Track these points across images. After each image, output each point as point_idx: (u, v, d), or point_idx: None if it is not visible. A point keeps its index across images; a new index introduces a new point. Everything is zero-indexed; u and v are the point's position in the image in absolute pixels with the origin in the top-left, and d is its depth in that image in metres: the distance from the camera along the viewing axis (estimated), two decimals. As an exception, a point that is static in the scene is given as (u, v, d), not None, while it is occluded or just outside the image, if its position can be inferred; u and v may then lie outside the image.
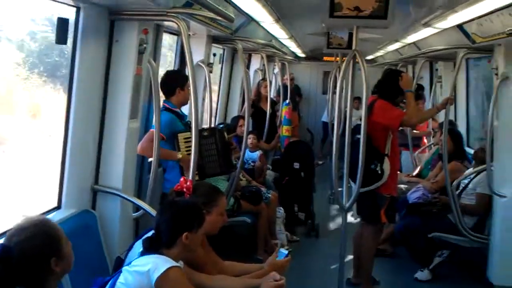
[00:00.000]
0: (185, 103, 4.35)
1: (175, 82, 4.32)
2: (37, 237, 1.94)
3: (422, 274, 5.06)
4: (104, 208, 3.57)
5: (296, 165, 6.62)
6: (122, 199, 3.56)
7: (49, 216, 3.16)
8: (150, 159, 4.06)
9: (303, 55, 12.14)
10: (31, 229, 1.96)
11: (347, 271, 4.78)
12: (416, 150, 7.32)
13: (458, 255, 5.19)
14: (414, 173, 6.50)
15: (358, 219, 5.16)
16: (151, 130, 4.04)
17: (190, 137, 4.26)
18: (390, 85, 4.58)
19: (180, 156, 4.20)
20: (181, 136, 4.24)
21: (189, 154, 3.74)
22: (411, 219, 5.33)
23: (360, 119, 4.10)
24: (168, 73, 4.49)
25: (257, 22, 5.72)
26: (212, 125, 5.73)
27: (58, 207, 3.36)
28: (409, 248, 5.52)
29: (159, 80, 4.00)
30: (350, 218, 5.99)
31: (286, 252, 3.03)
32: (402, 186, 6.03)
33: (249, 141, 6.42)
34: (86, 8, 3.16)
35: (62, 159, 3.32)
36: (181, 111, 4.39)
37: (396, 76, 4.60)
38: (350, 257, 4.94)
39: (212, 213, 2.92)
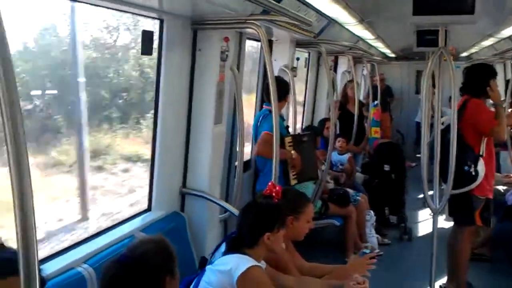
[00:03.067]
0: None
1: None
2: (157, 252, 2.02)
3: (522, 280, 4.77)
4: (192, 210, 3.71)
5: (387, 167, 6.49)
6: (209, 201, 3.68)
7: (140, 218, 3.35)
8: (236, 163, 4.19)
9: (393, 55, 11.84)
10: (152, 244, 2.05)
11: (441, 276, 4.62)
12: (515, 150, 6.89)
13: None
14: (513, 174, 6.14)
15: (452, 223, 4.96)
16: (264, 132, 4.32)
17: (293, 141, 4.52)
18: (473, 81, 4.39)
19: (294, 155, 4.43)
20: (286, 140, 4.47)
21: None
22: (509, 221, 5.04)
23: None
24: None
25: (340, 24, 5.68)
26: (297, 130, 5.78)
27: (148, 209, 3.54)
28: (507, 252, 5.22)
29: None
30: (444, 222, 5.79)
31: (369, 251, 3.00)
32: (500, 187, 5.72)
33: (338, 144, 6.40)
34: (169, 20, 3.31)
35: (151, 163, 3.51)
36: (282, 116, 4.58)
37: (476, 70, 4.44)
38: (445, 262, 4.76)
39: (299, 220, 2.96)
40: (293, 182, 4.60)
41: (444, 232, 4.87)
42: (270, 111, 4.35)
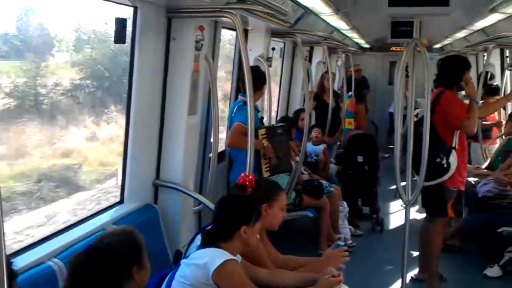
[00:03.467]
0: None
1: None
2: (124, 243, 2.04)
3: (492, 271, 4.84)
4: (165, 202, 3.66)
5: (360, 159, 6.50)
6: (183, 193, 3.63)
7: (112, 211, 3.29)
8: (210, 155, 4.14)
9: (367, 46, 11.91)
10: (121, 235, 2.08)
11: (413, 267, 4.67)
12: (486, 142, 7.00)
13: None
14: (484, 166, 6.23)
15: (424, 214, 5.01)
16: (237, 123, 4.26)
17: (267, 133, 4.45)
18: (447, 72, 4.43)
19: (266, 144, 4.40)
20: (259, 132, 4.42)
21: None
22: (480, 213, 5.12)
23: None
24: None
25: (316, 14, 5.65)
26: (273, 120, 5.75)
27: (121, 202, 3.48)
28: (478, 243, 5.31)
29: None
30: (416, 213, 5.85)
31: (343, 244, 3.00)
32: (471, 179, 5.79)
33: (314, 134, 6.40)
34: (143, 7, 3.24)
35: (124, 155, 3.44)
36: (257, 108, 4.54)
37: (450, 62, 4.47)
38: (416, 253, 4.81)
39: (273, 207, 2.94)
40: (265, 174, 4.58)
41: (416, 223, 4.92)
42: (245, 103, 4.35)
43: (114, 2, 3.11)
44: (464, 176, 4.56)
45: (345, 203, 5.99)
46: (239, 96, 4.78)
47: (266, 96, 5.52)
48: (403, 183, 4.28)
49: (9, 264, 1.55)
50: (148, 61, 3.35)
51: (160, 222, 3.56)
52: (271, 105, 5.74)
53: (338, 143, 7.90)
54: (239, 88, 4.95)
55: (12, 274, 1.62)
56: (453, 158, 4.32)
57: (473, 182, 5.75)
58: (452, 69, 4.41)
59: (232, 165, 4.76)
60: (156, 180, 3.63)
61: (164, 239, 3.53)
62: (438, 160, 4.29)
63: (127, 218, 3.27)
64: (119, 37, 3.05)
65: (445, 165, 4.31)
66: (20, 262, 2.35)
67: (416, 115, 4.52)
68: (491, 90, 7.08)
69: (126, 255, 2.01)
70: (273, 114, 6.04)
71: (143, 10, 3.25)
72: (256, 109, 4.42)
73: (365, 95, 10.65)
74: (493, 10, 5.02)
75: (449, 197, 4.41)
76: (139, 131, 3.42)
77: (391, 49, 11.67)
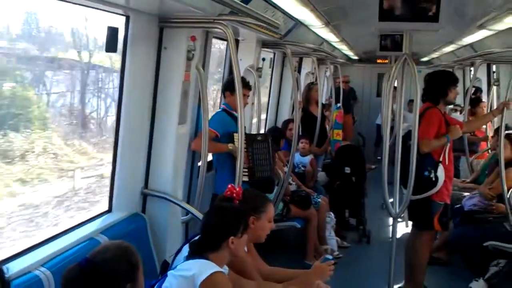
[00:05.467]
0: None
1: (225, 85, 4.61)
2: (120, 259, 1.97)
3: (477, 284, 4.86)
4: (153, 211, 3.65)
5: (347, 170, 6.52)
6: (171, 203, 3.62)
7: (100, 220, 3.27)
8: (199, 164, 4.13)
9: (356, 58, 12.00)
10: (115, 251, 2.00)
11: (399, 279, 4.69)
12: (472, 156, 7.07)
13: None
14: (470, 179, 6.29)
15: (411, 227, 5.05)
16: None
17: (246, 139, 4.42)
18: (432, 87, 4.48)
19: (230, 147, 4.30)
20: (236, 136, 4.33)
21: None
22: (466, 226, 5.17)
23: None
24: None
25: (307, 26, 5.69)
26: (262, 130, 5.75)
27: (109, 211, 3.46)
28: (463, 256, 5.34)
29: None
30: (403, 226, 5.88)
31: (331, 257, 3.01)
32: (457, 192, 5.84)
33: (301, 145, 6.41)
34: (135, 16, 3.24)
35: (113, 163, 3.42)
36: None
37: (437, 77, 4.53)
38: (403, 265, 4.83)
39: (260, 219, 2.93)
40: (243, 178, 4.55)
41: (402, 236, 4.95)
42: (224, 109, 4.51)
43: (106, 11, 3.11)
44: (450, 190, 4.60)
45: (332, 214, 6.01)
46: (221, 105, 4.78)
47: (256, 106, 5.53)
48: (390, 199, 4.32)
49: (1, 272, 1.52)
50: (139, 70, 3.35)
51: (148, 232, 3.54)
52: (260, 115, 5.74)
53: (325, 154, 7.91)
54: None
55: (5, 283, 1.59)
56: (441, 172, 4.36)
57: (459, 196, 5.81)
58: (438, 85, 4.47)
59: (216, 173, 4.75)
60: (144, 189, 3.62)
61: (152, 249, 3.51)
62: (426, 173, 4.33)
63: (115, 227, 3.25)
64: (111, 45, 3.05)
65: (433, 179, 4.35)
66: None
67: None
68: (475, 100, 7.14)
69: (121, 273, 1.95)
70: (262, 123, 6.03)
71: (135, 19, 3.25)
72: (233, 115, 4.42)
73: (352, 106, 10.73)
74: (481, 27, 5.11)
75: (435, 210, 4.44)
76: (129, 139, 3.41)
77: (377, 61, 11.79)
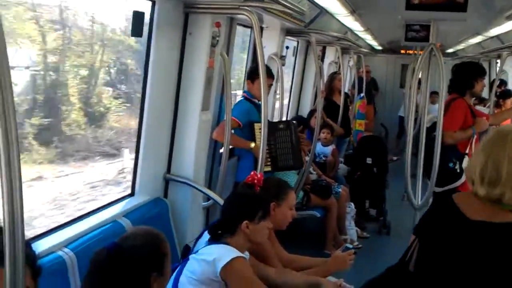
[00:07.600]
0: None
1: (248, 73, 4.54)
2: (150, 247, 1.95)
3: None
4: (175, 196, 3.67)
5: (369, 160, 6.48)
6: (193, 188, 3.64)
7: (122, 203, 3.30)
8: (221, 150, 4.15)
9: (380, 48, 11.87)
10: (145, 238, 1.98)
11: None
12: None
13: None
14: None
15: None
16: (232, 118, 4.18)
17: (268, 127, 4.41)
18: (459, 78, 4.41)
19: (252, 145, 4.29)
20: (257, 126, 4.36)
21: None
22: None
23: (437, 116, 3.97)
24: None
25: (331, 14, 5.64)
26: (284, 118, 5.74)
27: (131, 194, 3.49)
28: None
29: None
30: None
31: (351, 247, 3.01)
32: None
33: (323, 135, 6.38)
34: (161, 1, 3.24)
35: (137, 148, 3.44)
36: (259, 102, 4.48)
37: (464, 68, 4.45)
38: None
39: (281, 206, 2.95)
40: (266, 168, 4.55)
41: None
42: (245, 98, 4.48)
43: (133, -5, 3.12)
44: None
45: (352, 204, 5.98)
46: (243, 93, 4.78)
47: (278, 95, 5.52)
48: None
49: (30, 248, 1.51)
50: (164, 55, 3.35)
51: (170, 216, 3.57)
52: (283, 103, 5.72)
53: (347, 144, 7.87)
54: None
55: (35, 260, 1.56)
56: (466, 164, 4.30)
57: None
58: (465, 76, 4.39)
59: (239, 161, 4.76)
60: (167, 174, 3.64)
61: (173, 233, 3.54)
62: (450, 165, 4.27)
63: (138, 211, 3.28)
64: (136, 30, 3.06)
65: (458, 171, 4.29)
66: (31, 251, 2.37)
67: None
68: (503, 94, 7.03)
69: (147, 260, 1.92)
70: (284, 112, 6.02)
71: (161, 4, 3.25)
72: (258, 104, 4.41)
73: (374, 97, 10.64)
74: (509, 18, 5.00)
75: (460, 203, 4.38)
76: (152, 125, 3.43)
77: (401, 51, 11.64)
